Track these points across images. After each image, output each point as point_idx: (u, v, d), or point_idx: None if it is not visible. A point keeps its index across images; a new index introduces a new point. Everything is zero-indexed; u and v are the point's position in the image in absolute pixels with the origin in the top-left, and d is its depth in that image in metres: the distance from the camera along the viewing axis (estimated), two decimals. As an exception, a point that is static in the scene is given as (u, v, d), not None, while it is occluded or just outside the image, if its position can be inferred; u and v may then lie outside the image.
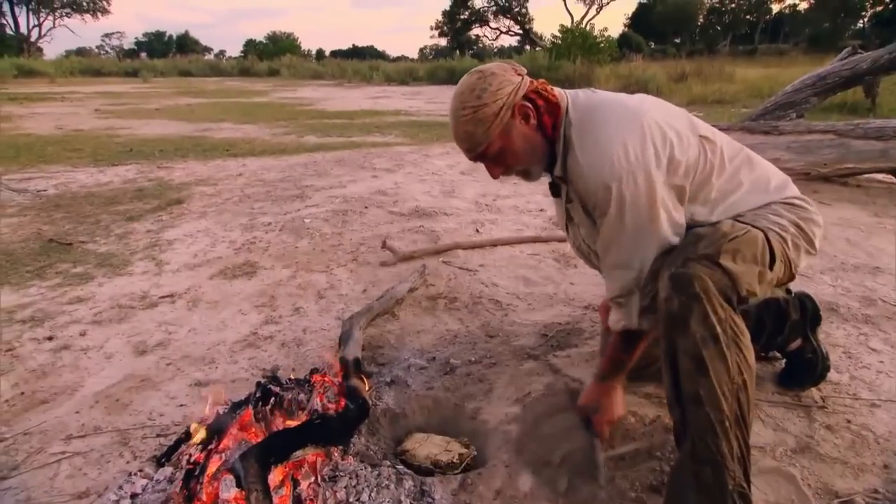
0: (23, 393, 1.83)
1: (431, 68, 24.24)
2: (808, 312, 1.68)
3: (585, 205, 1.36)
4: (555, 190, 1.54)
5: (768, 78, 12.94)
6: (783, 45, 40.02)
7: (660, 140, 1.26)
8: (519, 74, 1.34)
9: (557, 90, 1.39)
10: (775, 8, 51.27)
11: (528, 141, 1.35)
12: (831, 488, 1.35)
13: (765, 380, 1.75)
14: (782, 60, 23.11)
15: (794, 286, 1.69)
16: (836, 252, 2.93)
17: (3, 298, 2.54)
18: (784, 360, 1.78)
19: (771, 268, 1.26)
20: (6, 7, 41.13)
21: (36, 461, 1.52)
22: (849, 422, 1.57)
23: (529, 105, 1.32)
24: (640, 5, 50.45)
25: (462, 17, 45.50)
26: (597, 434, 1.50)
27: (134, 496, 1.35)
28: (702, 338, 1.12)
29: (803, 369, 1.70)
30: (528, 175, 1.43)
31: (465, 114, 1.31)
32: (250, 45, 54.73)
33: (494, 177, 1.44)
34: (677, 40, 49.90)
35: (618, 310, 1.41)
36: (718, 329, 1.12)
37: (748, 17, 52.26)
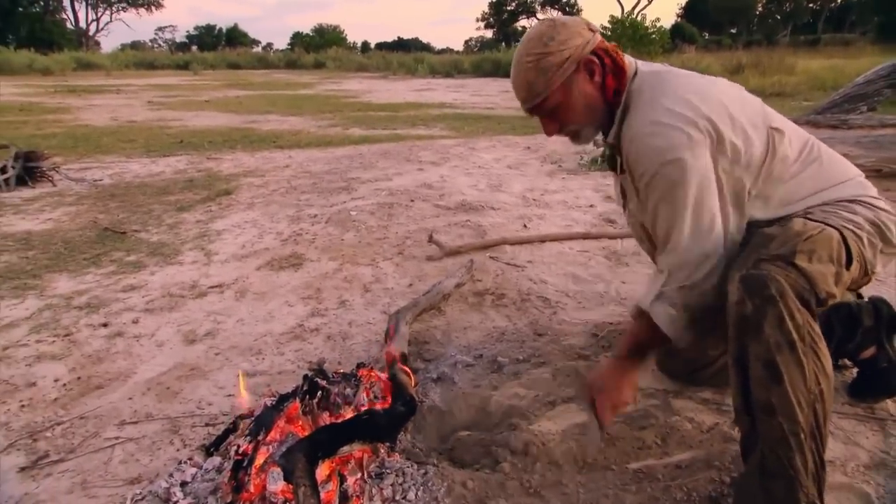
0: (79, 378, 1.89)
1: (477, 60, 24.17)
2: (883, 319, 1.58)
3: (633, 173, 1.31)
4: (612, 162, 1.49)
5: (832, 69, 12.41)
6: (849, 34, 38.24)
7: (725, 124, 1.21)
8: (591, 30, 1.30)
9: (628, 57, 1.34)
10: (841, -5, 49.09)
11: (587, 99, 1.31)
12: (910, 508, 1.26)
13: (835, 390, 1.65)
14: (848, 51, 22.05)
15: (869, 290, 1.59)
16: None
17: (62, 285, 2.64)
18: (856, 370, 1.68)
19: (847, 268, 1.19)
20: (67, 3, 43.03)
21: (91, 445, 1.56)
22: (929, 438, 1.48)
23: (596, 61, 1.29)
24: (695, -6, 49.03)
25: (509, 8, 45.23)
26: (598, 418, 1.43)
27: (184, 484, 1.38)
28: (776, 343, 1.05)
29: (877, 380, 1.60)
30: (577, 136, 1.39)
31: (528, 60, 1.28)
32: (297, 38, 55.64)
33: (548, 134, 1.41)
34: (733, 31, 48.33)
35: (652, 284, 1.35)
36: (795, 335, 1.05)
37: (811, 5, 50.18)
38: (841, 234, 1.20)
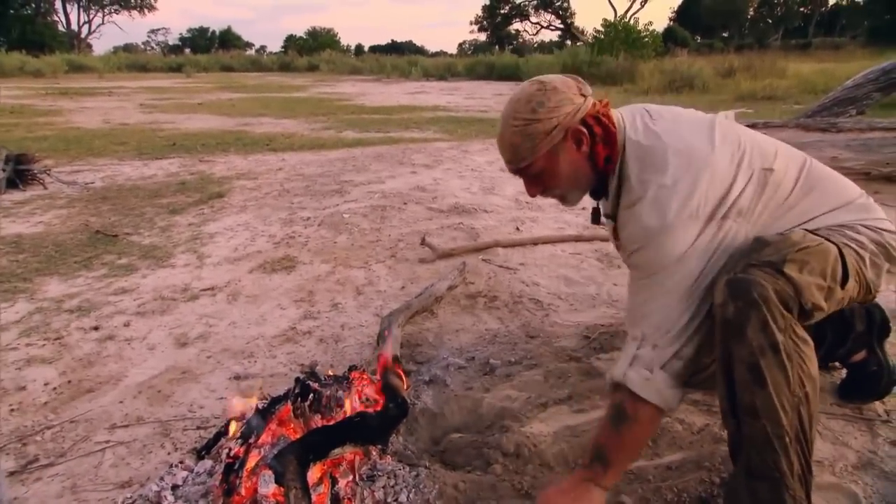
0: (70, 381, 1.88)
1: (470, 63, 24.23)
2: (875, 323, 1.59)
3: (626, 247, 1.29)
4: (595, 217, 1.48)
5: (823, 73, 12.50)
6: (839, 38, 38.56)
7: (719, 190, 1.19)
8: (583, 95, 1.26)
9: (615, 114, 1.30)
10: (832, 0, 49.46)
11: (574, 167, 1.27)
12: (897, 508, 1.27)
13: (823, 391, 1.66)
14: (838, 54, 22.24)
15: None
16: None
17: (53, 288, 2.63)
18: (845, 371, 1.70)
19: (843, 286, 1.17)
20: (58, 4, 42.83)
21: (81, 449, 1.56)
22: (916, 438, 1.49)
23: (585, 131, 1.24)
24: (687, -2, 49.31)
25: (502, 11, 45.32)
26: None
27: (175, 487, 1.37)
28: (759, 346, 1.05)
29: (866, 382, 1.61)
30: (564, 200, 1.37)
31: (515, 124, 1.25)
32: (291, 41, 55.56)
33: (531, 195, 1.37)
34: (725, 34, 48.62)
35: (623, 355, 1.24)
36: (779, 337, 1.05)
37: (802, 9, 50.54)
38: (840, 250, 1.18)
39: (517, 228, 3.38)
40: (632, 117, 1.30)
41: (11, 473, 1.46)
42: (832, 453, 1.44)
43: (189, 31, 63.79)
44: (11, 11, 36.07)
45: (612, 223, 1.36)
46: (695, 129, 1.27)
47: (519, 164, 1.28)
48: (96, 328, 2.24)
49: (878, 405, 1.61)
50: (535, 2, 43.29)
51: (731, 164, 1.22)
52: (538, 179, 1.31)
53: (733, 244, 1.22)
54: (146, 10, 47.59)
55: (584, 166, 1.28)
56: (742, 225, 1.22)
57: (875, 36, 31.18)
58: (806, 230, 1.22)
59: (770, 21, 51.04)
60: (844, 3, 47.69)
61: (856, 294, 1.22)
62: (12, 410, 1.73)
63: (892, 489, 1.32)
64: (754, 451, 1.08)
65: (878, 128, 3.96)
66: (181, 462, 1.46)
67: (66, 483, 1.43)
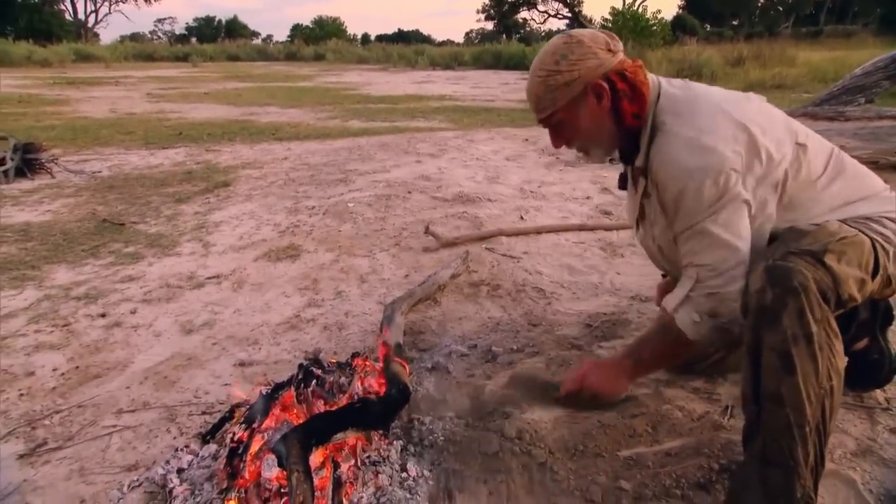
0: (77, 367, 1.91)
1: (477, 52, 24.10)
2: (879, 312, 1.59)
3: (663, 197, 1.29)
4: (623, 182, 1.49)
5: (834, 61, 12.36)
6: (851, 26, 38.02)
7: (756, 145, 1.20)
8: (611, 51, 1.27)
9: (651, 76, 1.32)
10: (844, -14, 48.67)
11: (595, 121, 1.31)
12: (894, 494, 1.28)
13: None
14: (850, 42, 21.93)
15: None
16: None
17: (60, 275, 2.66)
18: (846, 360, 1.70)
19: (873, 278, 1.18)
20: (65, -7, 42.82)
21: (89, 433, 1.58)
22: (916, 426, 1.50)
23: (606, 86, 1.27)
24: (697, -15, 48.67)
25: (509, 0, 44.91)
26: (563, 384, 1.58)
27: (180, 471, 1.40)
28: (793, 335, 1.05)
29: (868, 371, 1.61)
30: (587, 153, 1.40)
31: (539, 75, 1.29)
32: (297, 30, 55.40)
33: (555, 146, 1.42)
34: (735, 23, 48.04)
35: (679, 290, 1.33)
36: (814, 328, 1.04)
37: (813, -4, 49.83)
38: (874, 243, 1.18)
39: (521, 217, 3.39)
40: (668, 80, 1.34)
41: (21, 456, 1.49)
42: (832, 440, 1.43)
43: (195, 20, 63.87)
44: (18, 0, 36.10)
45: (644, 181, 1.36)
46: (730, 95, 1.30)
47: (540, 113, 1.34)
48: (103, 315, 2.26)
49: (878, 393, 1.61)
50: (543, -10, 42.87)
51: (764, 133, 1.22)
52: (560, 131, 1.36)
53: (762, 214, 1.24)
54: (152, 0, 47.51)
55: (606, 121, 1.30)
56: (772, 197, 1.23)
57: (887, 23, 30.68)
58: (841, 221, 1.22)
59: (781, 9, 50.35)
60: (857, -11, 46.96)
61: (877, 287, 1.22)
62: (21, 395, 1.76)
63: (890, 476, 1.33)
64: (771, 438, 1.08)
65: (887, 116, 3.92)
66: (186, 446, 1.49)
67: (73, 466, 1.46)
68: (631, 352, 1.49)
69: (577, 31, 1.29)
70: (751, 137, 1.19)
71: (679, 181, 1.21)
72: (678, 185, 1.22)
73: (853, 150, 3.78)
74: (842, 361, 1.10)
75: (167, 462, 1.42)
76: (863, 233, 1.19)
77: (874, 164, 3.80)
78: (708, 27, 42.57)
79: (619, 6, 23.09)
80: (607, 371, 1.52)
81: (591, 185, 4.11)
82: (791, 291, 1.05)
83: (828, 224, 1.20)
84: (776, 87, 10.40)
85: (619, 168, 1.52)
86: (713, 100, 1.26)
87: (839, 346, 1.09)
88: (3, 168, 4.41)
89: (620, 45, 1.30)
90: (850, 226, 1.20)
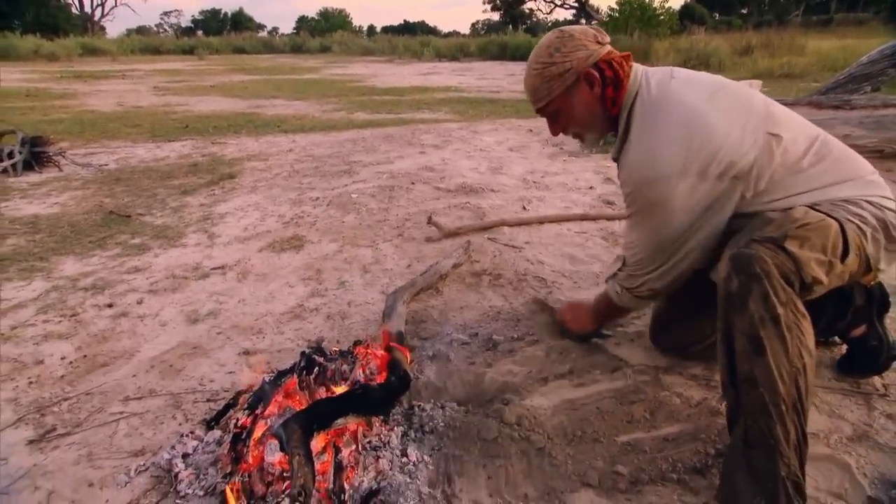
0: (85, 356, 1.94)
1: (483, 44, 23.94)
2: (875, 298, 1.60)
3: (622, 186, 1.42)
4: None
5: (844, 49, 12.22)
6: (862, 14, 37.48)
7: (714, 149, 1.25)
8: (599, 43, 1.38)
9: (637, 68, 1.40)
10: (854, -27, 47.95)
11: (587, 108, 1.41)
12: (889, 478, 1.29)
13: (822, 365, 1.68)
14: (861, 30, 21.65)
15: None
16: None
17: (68, 267, 2.69)
18: (845, 347, 1.71)
19: (843, 260, 1.20)
20: (71, -13, 42.90)
21: (97, 419, 1.61)
22: (912, 412, 1.50)
23: (596, 74, 1.37)
24: (705, -26, 48.08)
25: (516, -10, 44.60)
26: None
27: (185, 456, 1.43)
28: (760, 318, 1.09)
29: (865, 357, 1.62)
30: (583, 140, 1.51)
31: (535, 68, 1.41)
32: (303, 22, 55.32)
33: (553, 134, 1.53)
34: (744, 11, 47.46)
35: (613, 264, 1.68)
36: (779, 310, 1.08)
37: (823, -16, 49.14)
38: (842, 226, 1.21)
39: (524, 208, 3.39)
40: (654, 74, 1.40)
41: (31, 442, 1.52)
42: (828, 426, 1.46)
43: (201, 12, 63.66)
44: (26, -6, 36.21)
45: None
46: (703, 91, 1.34)
47: (538, 104, 1.46)
48: (110, 305, 2.29)
49: (876, 380, 1.62)
50: (549, -20, 42.49)
51: (732, 126, 1.27)
52: (557, 119, 1.48)
53: (727, 205, 1.30)
54: (158, -8, 47.52)
55: (597, 107, 1.42)
56: (738, 187, 1.28)
57: (899, 11, 30.25)
58: (808, 207, 1.25)
59: (791, -3, 49.72)
60: (868, -23, 46.25)
61: (856, 268, 1.25)
62: (31, 383, 1.79)
63: (885, 460, 1.34)
64: (751, 420, 1.11)
65: (893, 104, 3.89)
66: (191, 432, 1.52)
67: (82, 451, 1.49)
68: (595, 302, 1.83)
69: (567, 27, 1.41)
70: (708, 143, 1.26)
71: (630, 183, 1.36)
72: (629, 188, 1.37)
73: (858, 139, 3.76)
74: (811, 339, 1.13)
75: (173, 447, 1.45)
76: (831, 216, 1.22)
77: (879, 153, 3.78)
78: (717, 16, 42.09)
79: (626, -5, 22.90)
80: (579, 312, 1.90)
81: (594, 175, 4.11)
82: (754, 277, 1.10)
83: (794, 211, 1.23)
84: (785, 76, 10.31)
85: None
86: (684, 105, 1.31)
87: (808, 326, 1.12)
88: (11, 161, 4.45)
89: (608, 38, 1.41)
90: (817, 210, 1.24)
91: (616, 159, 1.44)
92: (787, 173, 1.29)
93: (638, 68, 1.40)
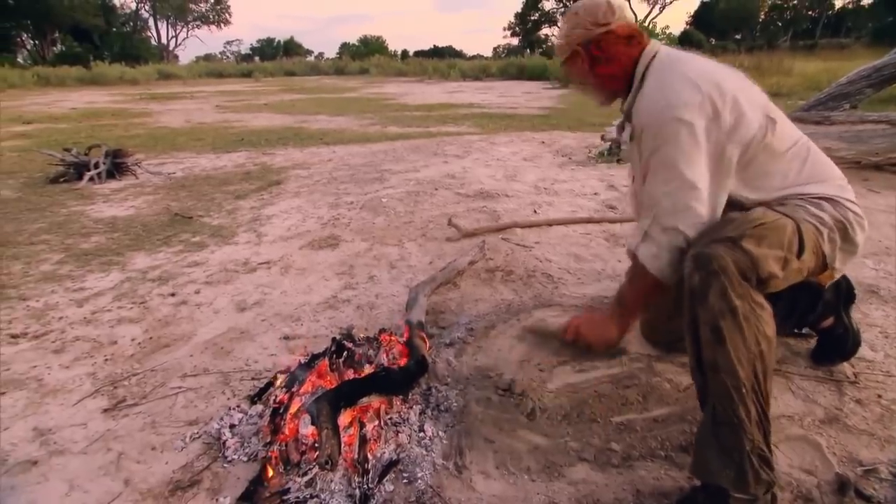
0: (151, 338, 1.98)
1: (503, 65, 23.77)
2: (842, 292, 1.55)
3: (637, 134, 1.32)
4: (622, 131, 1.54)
5: (827, 71, 11.80)
6: (845, 39, 36.32)
7: (723, 100, 1.19)
8: (599, 24, 1.35)
9: (652, 45, 1.36)
10: (838, 3, 46.50)
11: (582, 76, 1.43)
12: (856, 457, 1.25)
13: (799, 355, 1.63)
14: (843, 54, 20.90)
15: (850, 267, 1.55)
16: (882, 237, 2.67)
17: (139, 261, 2.74)
18: (817, 338, 1.65)
19: (799, 257, 1.17)
20: (151, 22, 43.92)
21: (159, 393, 1.64)
22: (879, 396, 1.45)
23: (582, 53, 1.38)
24: (703, 4, 46.98)
25: (532, 18, 44.31)
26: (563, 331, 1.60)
27: (232, 426, 1.44)
28: (720, 310, 1.07)
29: (834, 345, 1.58)
30: (586, 93, 1.51)
31: (558, 34, 1.47)
32: (345, 47, 55.63)
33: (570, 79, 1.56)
34: (738, 37, 46.33)
35: (639, 227, 1.35)
36: (737, 302, 1.06)
37: (810, 13, 47.72)
38: (798, 225, 1.18)
39: (534, 211, 3.35)
40: (670, 48, 1.39)
41: (105, 410, 1.55)
42: (802, 409, 1.41)
43: (258, 41, 64.56)
44: (114, 29, 37.12)
45: (630, 126, 1.40)
46: (719, 65, 1.31)
47: (560, 58, 1.48)
48: (173, 295, 2.33)
49: (847, 368, 1.57)
50: (563, 9, 42.02)
51: (741, 93, 1.23)
52: (569, 74, 1.50)
53: (729, 169, 1.23)
54: (223, 25, 48.27)
55: (590, 77, 1.42)
56: (735, 153, 1.22)
57: (879, 37, 29.19)
58: (767, 208, 1.23)
59: (780, 24, 48.43)
60: (850, 6, 44.80)
61: (813, 265, 1.23)
62: (106, 360, 1.83)
63: (852, 440, 1.31)
64: (717, 401, 1.09)
65: (869, 120, 3.75)
66: (238, 406, 1.53)
67: (147, 420, 1.52)
68: (615, 302, 1.49)
69: (578, 4, 1.40)
70: (724, 93, 1.20)
71: (649, 118, 1.26)
72: (648, 121, 1.26)
73: (838, 151, 3.63)
74: (770, 328, 1.09)
75: (222, 419, 1.47)
76: (788, 216, 1.19)
77: (857, 164, 3.65)
78: (713, 41, 41.15)
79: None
80: (597, 323, 1.53)
81: (599, 183, 4.04)
82: (713, 274, 1.08)
83: (752, 211, 1.21)
84: (773, 95, 9.90)
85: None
86: (697, 65, 1.27)
87: (766, 316, 1.09)
88: (97, 171, 4.56)
89: (614, 17, 1.35)
90: (774, 210, 1.21)
91: (626, 111, 1.38)
92: (770, 159, 1.26)
93: (656, 43, 1.37)
